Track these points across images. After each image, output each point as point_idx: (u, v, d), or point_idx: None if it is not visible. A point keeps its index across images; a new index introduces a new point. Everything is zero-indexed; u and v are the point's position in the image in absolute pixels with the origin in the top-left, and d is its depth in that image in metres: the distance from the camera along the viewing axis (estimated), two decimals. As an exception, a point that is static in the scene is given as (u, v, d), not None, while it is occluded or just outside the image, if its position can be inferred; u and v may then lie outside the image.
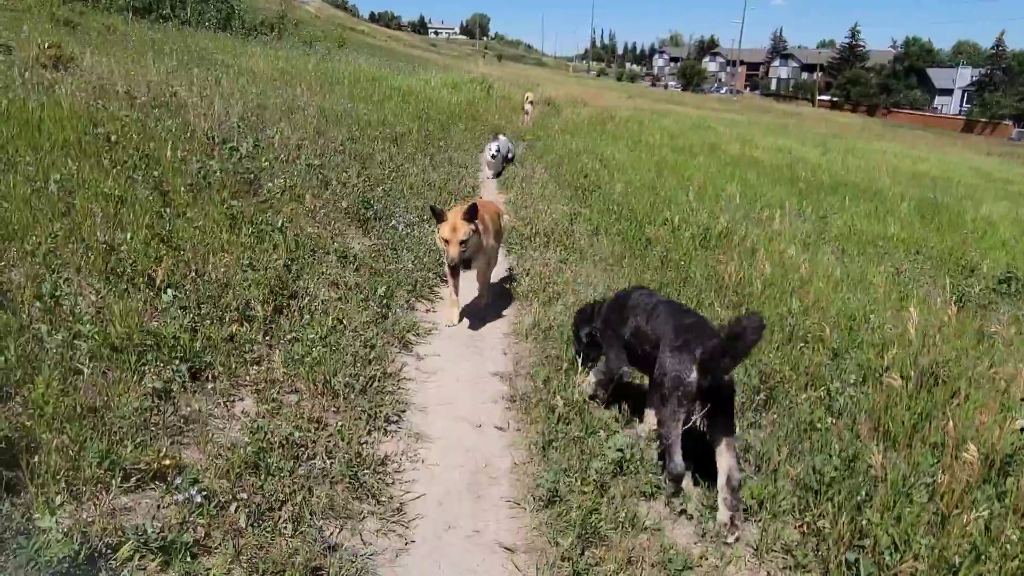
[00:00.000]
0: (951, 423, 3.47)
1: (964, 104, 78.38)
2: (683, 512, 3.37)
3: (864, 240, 10.25)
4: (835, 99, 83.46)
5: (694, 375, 3.20)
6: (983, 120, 67.11)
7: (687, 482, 3.43)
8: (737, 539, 3.16)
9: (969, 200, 16.38)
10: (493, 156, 11.29)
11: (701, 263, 6.98)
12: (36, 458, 2.62)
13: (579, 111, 24.69)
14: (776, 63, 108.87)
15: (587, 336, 4.24)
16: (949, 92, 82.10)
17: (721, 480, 3.23)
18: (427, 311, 5.49)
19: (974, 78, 78.00)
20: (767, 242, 8.15)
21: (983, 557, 2.84)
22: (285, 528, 2.75)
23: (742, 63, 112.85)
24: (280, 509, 2.84)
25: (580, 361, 4.36)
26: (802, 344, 5.14)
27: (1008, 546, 2.86)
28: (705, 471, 3.46)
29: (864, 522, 3.07)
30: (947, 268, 9.28)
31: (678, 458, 3.31)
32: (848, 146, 29.27)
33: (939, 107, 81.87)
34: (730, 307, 5.84)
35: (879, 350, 4.93)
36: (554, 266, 6.60)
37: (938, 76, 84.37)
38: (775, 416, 4.20)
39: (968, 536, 2.93)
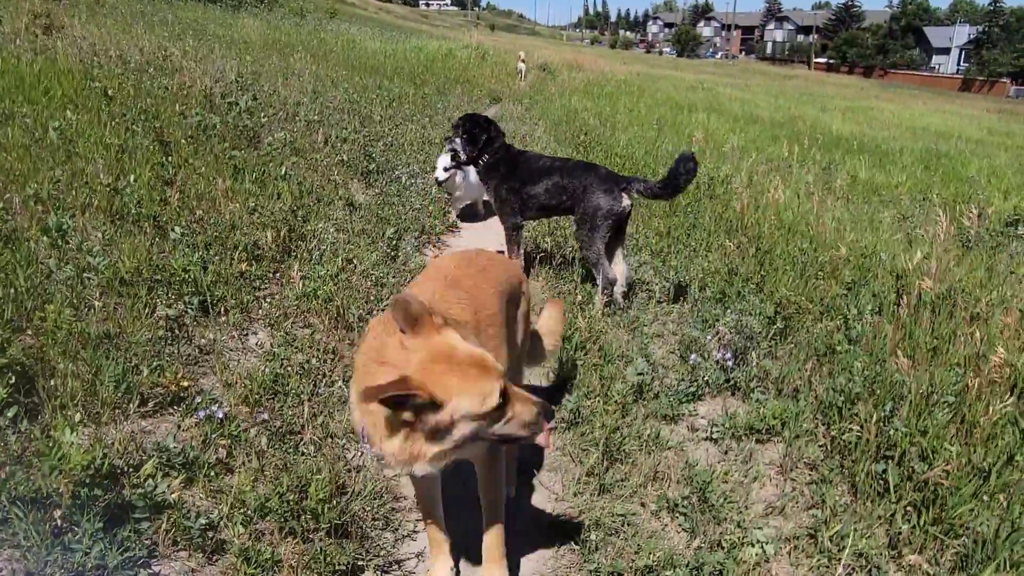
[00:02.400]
0: (976, 332, 3.43)
1: (961, 63, 77.64)
2: (707, 438, 3.35)
3: (868, 189, 10.17)
4: (831, 61, 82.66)
5: (625, 203, 4.44)
6: (980, 78, 66.51)
7: (617, 288, 4.57)
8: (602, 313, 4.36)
9: (970, 152, 16.26)
10: (446, 170, 5.95)
11: (708, 210, 6.90)
12: (52, 382, 2.57)
13: (575, 75, 24.39)
14: (771, 26, 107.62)
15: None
16: (946, 51, 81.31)
17: (616, 275, 4.56)
18: (434, 256, 5.43)
19: (971, 36, 77.14)
20: (772, 190, 8.07)
21: (1015, 459, 2.81)
22: (307, 449, 2.71)
23: (737, 27, 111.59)
24: (301, 432, 2.80)
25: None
26: (815, 278, 5.09)
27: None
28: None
29: (891, 432, 3.04)
30: (954, 213, 9.22)
31: (608, 267, 4.52)
32: (847, 105, 29.00)
33: (936, 66, 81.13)
34: (740, 246, 5.77)
35: (892, 275, 4.88)
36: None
37: (935, 35, 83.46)
38: (792, 346, 4.16)
39: (997, 440, 2.90)
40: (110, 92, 5.89)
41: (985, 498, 2.72)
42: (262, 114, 6.96)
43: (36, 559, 1.98)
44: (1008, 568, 2.46)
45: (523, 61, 20.08)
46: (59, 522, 2.04)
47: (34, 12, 9.51)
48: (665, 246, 5.84)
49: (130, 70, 7.41)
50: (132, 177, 4.22)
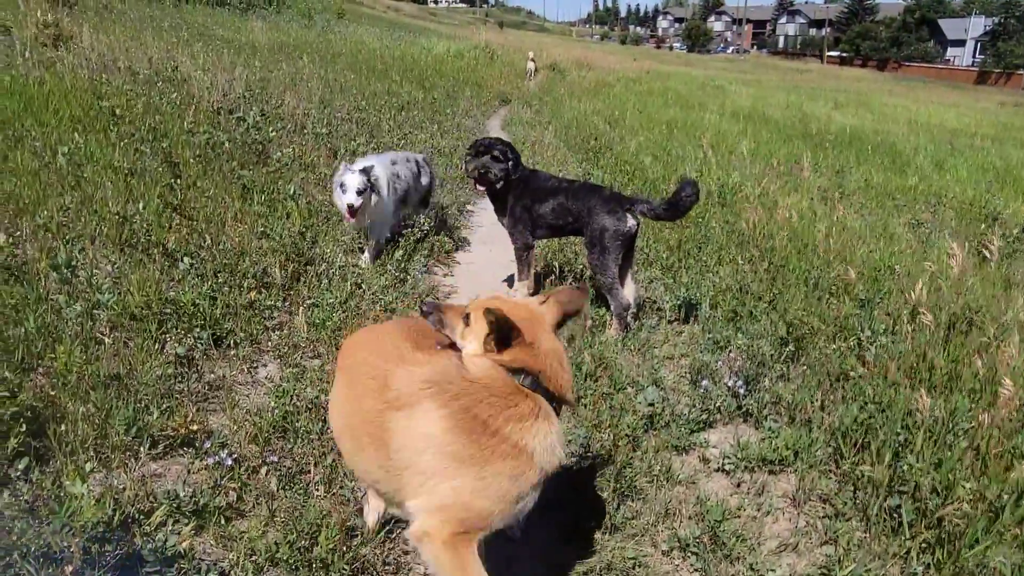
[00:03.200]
0: (984, 362, 3.38)
1: (977, 55, 76.74)
2: (719, 469, 3.32)
3: (882, 193, 10.06)
4: (844, 54, 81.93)
5: (631, 223, 4.41)
6: (997, 71, 65.70)
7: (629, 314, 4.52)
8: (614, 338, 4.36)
9: (987, 152, 16.05)
10: (360, 193, 4.77)
11: (719, 219, 6.85)
12: (63, 426, 2.58)
13: (584, 75, 24.32)
14: (783, 20, 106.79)
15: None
16: (962, 43, 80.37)
17: (629, 299, 4.52)
18: (445, 275, 5.42)
19: (987, 27, 76.20)
20: (784, 197, 8.00)
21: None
22: (317, 490, 2.71)
23: (748, 21, 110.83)
24: (310, 472, 2.80)
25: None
26: (828, 295, 5.05)
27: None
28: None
29: (904, 467, 3.00)
30: (969, 218, 9.11)
31: (621, 292, 4.48)
32: (860, 100, 28.73)
33: (951, 59, 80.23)
34: (751, 261, 5.72)
35: (907, 297, 4.82)
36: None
37: (950, 27, 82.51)
38: (804, 368, 4.13)
39: (1012, 476, 2.86)
40: (118, 111, 5.91)
41: (1000, 531, 2.68)
42: (270, 128, 6.97)
43: (46, 617, 1.98)
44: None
45: (533, 61, 20.03)
46: (70, 578, 2.04)
47: (43, 22, 9.54)
48: (675, 260, 5.80)
49: (139, 83, 7.44)
50: (141, 204, 4.23)
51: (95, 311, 3.21)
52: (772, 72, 56.08)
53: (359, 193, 4.67)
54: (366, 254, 5.06)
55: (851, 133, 16.10)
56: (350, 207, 4.65)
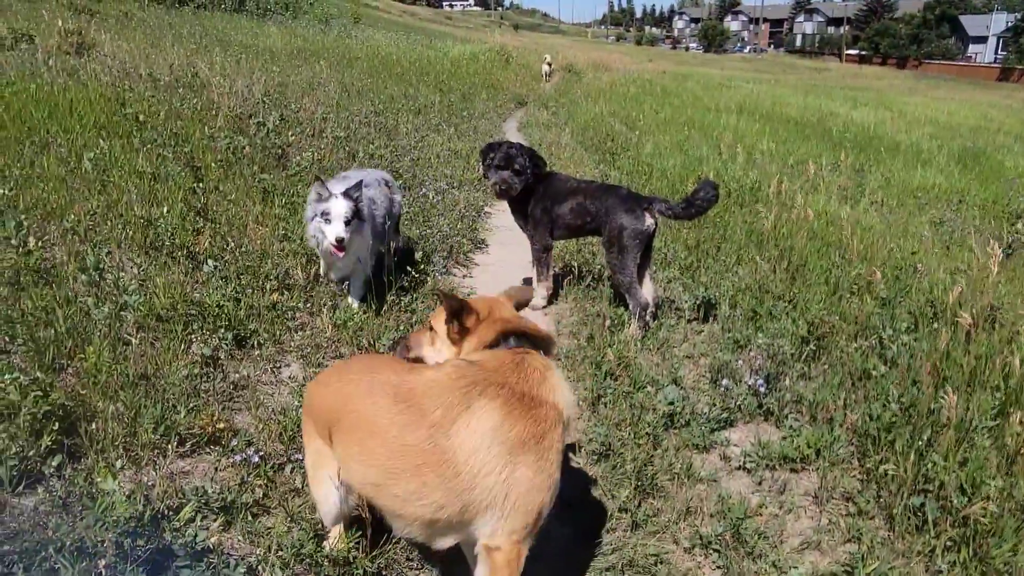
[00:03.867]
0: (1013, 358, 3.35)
1: (999, 51, 75.67)
2: (741, 467, 3.32)
3: (903, 192, 9.97)
4: (863, 53, 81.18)
5: (649, 222, 4.44)
6: (1020, 67, 64.72)
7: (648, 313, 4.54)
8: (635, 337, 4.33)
9: (1008, 150, 15.84)
10: (348, 223, 3.93)
11: (738, 219, 6.83)
12: (94, 425, 2.63)
13: (600, 76, 24.30)
14: (800, 18, 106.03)
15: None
16: (983, 40, 79.31)
17: (648, 298, 4.55)
18: (464, 276, 5.45)
19: (1009, 23, 75.10)
20: (805, 196, 7.95)
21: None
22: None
23: (765, 20, 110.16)
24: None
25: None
26: (849, 294, 5.02)
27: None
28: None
29: (928, 466, 2.98)
30: (991, 216, 9.01)
31: (639, 292, 4.49)
32: (880, 99, 28.47)
33: (973, 56, 79.20)
34: (770, 260, 5.70)
35: (928, 296, 4.79)
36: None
37: (971, 23, 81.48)
38: (826, 367, 4.11)
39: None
40: (141, 118, 6.01)
41: (1028, 535, 2.66)
42: (289, 132, 7.05)
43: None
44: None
45: (548, 64, 20.09)
46: (103, 572, 2.09)
47: (65, 30, 9.72)
48: (694, 260, 5.79)
49: (160, 90, 7.55)
50: (165, 208, 4.30)
51: (122, 312, 3.27)
52: (790, 72, 55.69)
53: (347, 223, 3.82)
54: (351, 296, 4.26)
55: (870, 132, 15.96)
56: (339, 241, 3.77)
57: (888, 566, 2.67)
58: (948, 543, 2.76)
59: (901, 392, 3.55)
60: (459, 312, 2.19)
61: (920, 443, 3.14)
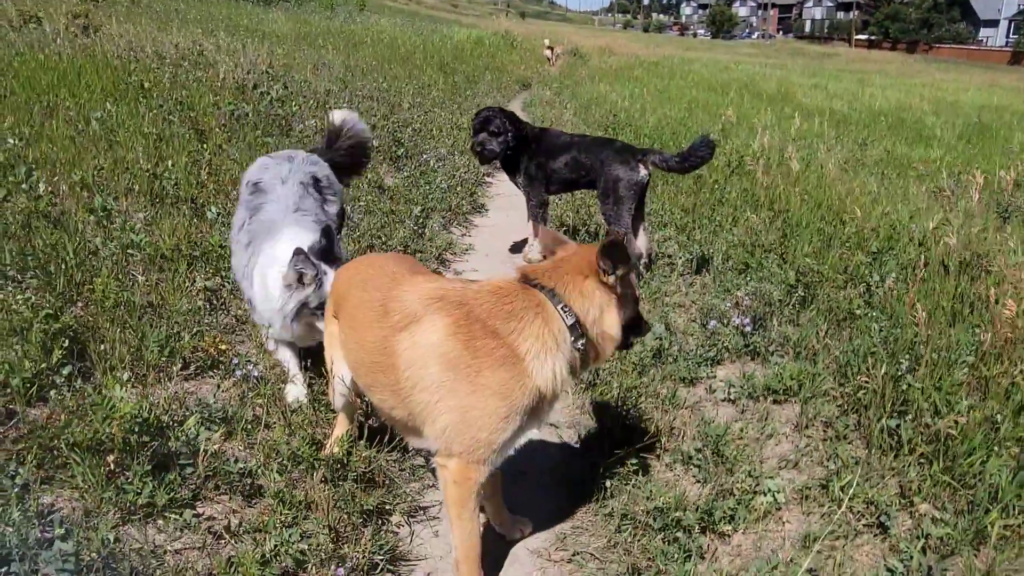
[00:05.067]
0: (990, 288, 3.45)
1: (1011, 35, 74.84)
2: (725, 399, 3.43)
3: (905, 164, 10.00)
4: (873, 37, 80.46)
5: (643, 173, 4.56)
6: (1031, 51, 64.00)
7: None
8: None
9: (1015, 127, 15.78)
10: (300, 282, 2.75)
11: (736, 186, 6.91)
12: (102, 347, 2.77)
13: (607, 60, 24.31)
14: (809, 4, 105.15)
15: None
16: (995, 23, 78.47)
17: (641, 249, 4.74)
18: (462, 235, 5.56)
19: (1021, 7, 74.30)
20: (805, 164, 8.01)
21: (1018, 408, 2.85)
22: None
23: (773, 6, 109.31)
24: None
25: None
26: (841, 248, 5.10)
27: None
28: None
29: (904, 387, 3.09)
30: (991, 187, 9.03)
31: (633, 241, 4.67)
32: (888, 82, 28.31)
33: (984, 39, 78.38)
34: (765, 220, 5.78)
35: (919, 248, 4.87)
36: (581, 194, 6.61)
37: (982, 6, 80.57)
38: (813, 313, 4.20)
39: (1010, 394, 2.94)
40: (147, 85, 6.15)
41: (996, 448, 2.76)
42: (293, 103, 7.17)
43: (93, 498, 2.17)
44: (1015, 513, 2.51)
45: (549, 48, 20.16)
46: (112, 466, 2.23)
47: (72, 12, 9.88)
48: (690, 221, 5.88)
49: (165, 65, 7.69)
50: (170, 162, 4.44)
51: (129, 251, 3.41)
52: (799, 57, 55.29)
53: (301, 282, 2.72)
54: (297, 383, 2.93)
55: (876, 110, 15.94)
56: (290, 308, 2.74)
57: (863, 479, 2.78)
58: (920, 460, 2.86)
59: (883, 328, 3.66)
60: None
61: (897, 370, 3.24)
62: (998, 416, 2.90)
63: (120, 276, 3.21)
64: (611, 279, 2.04)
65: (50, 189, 3.63)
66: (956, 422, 2.80)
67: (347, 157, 3.75)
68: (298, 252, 2.64)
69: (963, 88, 27.50)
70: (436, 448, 2.04)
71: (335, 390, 2.43)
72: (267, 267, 2.77)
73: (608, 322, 2.08)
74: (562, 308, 2.02)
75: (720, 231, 5.62)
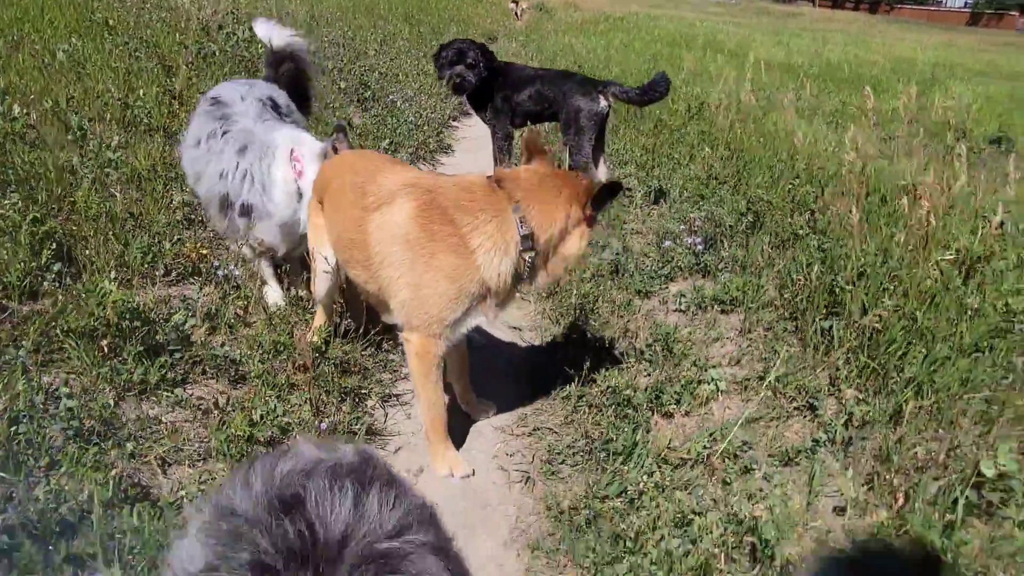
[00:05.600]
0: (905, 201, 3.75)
1: (970, -3, 75.79)
2: (677, 309, 3.70)
3: (859, 114, 10.33)
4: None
5: (603, 104, 4.71)
6: (988, 12, 65.02)
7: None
8: None
9: (964, 80, 16.25)
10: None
11: (695, 128, 7.14)
12: (87, 252, 2.91)
13: (572, 15, 24.19)
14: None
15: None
16: (955, -15, 79.30)
17: (602, 179, 4.46)
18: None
19: (980, -31, 75.15)
20: (762, 111, 8.27)
21: (937, 305, 3.17)
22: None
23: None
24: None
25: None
26: (791, 184, 5.37)
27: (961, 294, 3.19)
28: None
29: (837, 291, 3.38)
30: (941, 133, 9.42)
31: (594, 171, 4.80)
32: (849, 40, 28.66)
33: (943, 0, 79.29)
34: (721, 158, 6.03)
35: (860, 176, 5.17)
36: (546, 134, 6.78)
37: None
38: (761, 235, 4.47)
39: (926, 289, 3.26)
40: (111, 23, 6.11)
41: (913, 340, 3.08)
42: (259, 45, 7.15)
43: (90, 377, 2.34)
44: (927, 395, 2.83)
45: (514, 2, 20.06)
46: (106, 350, 2.40)
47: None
48: (650, 159, 6.11)
49: (127, 7, 7.59)
50: (141, 92, 4.50)
51: (107, 170, 3.52)
52: (764, 16, 55.27)
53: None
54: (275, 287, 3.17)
55: (835, 65, 16.27)
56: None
57: (798, 369, 3.08)
58: (848, 354, 3.17)
59: (821, 243, 3.96)
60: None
61: (832, 279, 3.53)
62: (916, 313, 3.21)
63: (100, 191, 3.32)
64: (588, 211, 2.27)
65: (25, 111, 3.69)
66: (880, 316, 3.11)
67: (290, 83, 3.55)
68: (339, 128, 2.80)
69: (922, 47, 27.98)
70: (400, 323, 2.27)
71: (318, 275, 2.62)
72: (284, 160, 2.80)
73: (570, 246, 2.30)
74: (520, 219, 2.20)
75: (678, 168, 5.86)
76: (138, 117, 4.28)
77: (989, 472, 2.41)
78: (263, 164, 2.80)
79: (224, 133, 2.88)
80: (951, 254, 3.38)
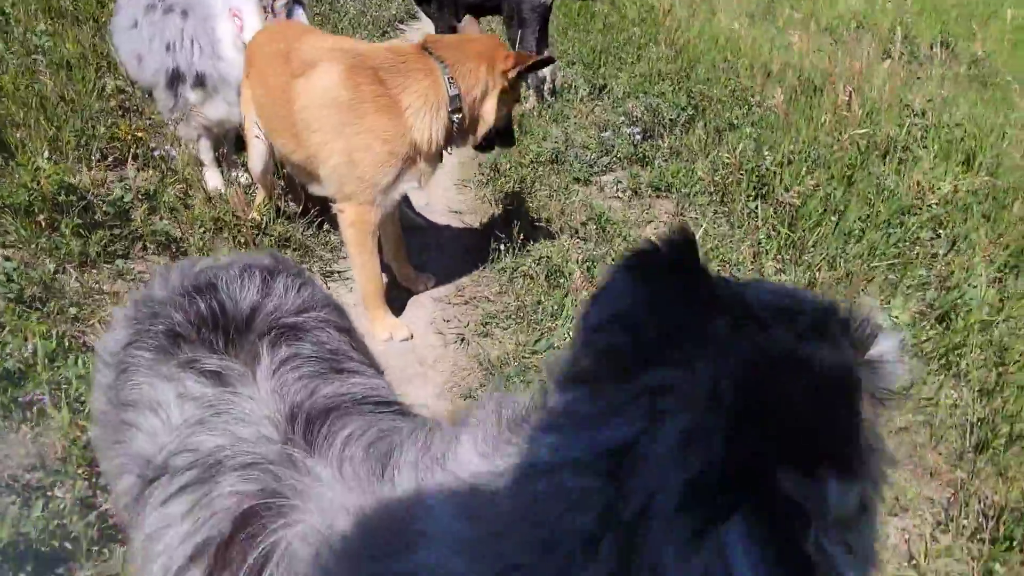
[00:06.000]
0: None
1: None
2: (614, 196, 3.82)
3: (808, 20, 10.36)
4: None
5: None
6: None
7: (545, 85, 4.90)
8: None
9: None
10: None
11: (644, 31, 7.11)
12: (19, 134, 2.88)
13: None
14: None
15: None
16: None
17: (546, 73, 4.79)
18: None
19: None
20: (710, 15, 8.26)
21: (854, 184, 3.36)
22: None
23: None
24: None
25: None
26: (731, 79, 5.46)
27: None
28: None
29: (763, 171, 3.54)
30: (887, 38, 9.54)
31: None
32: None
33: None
34: (666, 59, 6.06)
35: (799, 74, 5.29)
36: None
37: None
38: (700, 128, 4.59)
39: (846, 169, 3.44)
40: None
41: (829, 215, 3.28)
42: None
43: (29, 252, 2.38)
44: (839, 265, 3.04)
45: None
46: (43, 224, 2.43)
47: None
48: (596, 60, 6.11)
49: None
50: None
51: (34, 56, 3.43)
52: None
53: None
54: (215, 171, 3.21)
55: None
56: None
57: (726, 243, 3.26)
58: (771, 231, 3.35)
59: (754, 130, 4.09)
60: None
61: (759, 161, 3.69)
62: (834, 192, 3.40)
63: (28, 75, 3.25)
64: (512, 73, 2.32)
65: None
66: (798, 192, 3.28)
67: None
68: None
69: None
70: (332, 193, 2.34)
71: (253, 148, 2.65)
72: (225, 16, 2.74)
73: (487, 108, 2.38)
74: (448, 79, 2.26)
75: (624, 67, 5.88)
76: (64, 6, 4.13)
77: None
78: (207, 26, 2.76)
79: (163, 4, 2.83)
80: (865, 130, 3.54)
